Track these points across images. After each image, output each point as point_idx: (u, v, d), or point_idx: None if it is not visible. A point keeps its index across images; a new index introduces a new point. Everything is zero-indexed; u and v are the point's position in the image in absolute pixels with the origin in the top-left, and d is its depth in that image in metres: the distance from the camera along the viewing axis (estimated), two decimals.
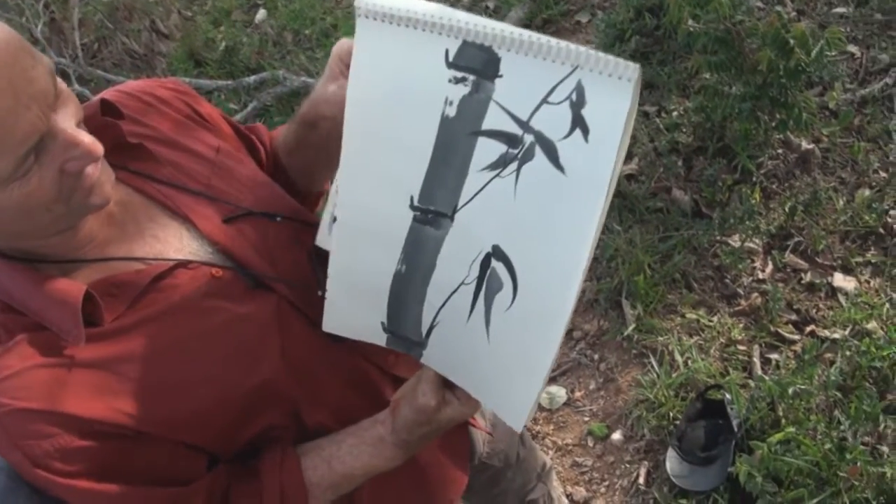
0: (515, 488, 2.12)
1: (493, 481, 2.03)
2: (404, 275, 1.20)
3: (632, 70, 0.95)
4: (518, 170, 1.05)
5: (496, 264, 1.11)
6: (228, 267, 1.28)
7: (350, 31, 3.85)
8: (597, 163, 0.99)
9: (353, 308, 1.29)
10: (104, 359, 1.15)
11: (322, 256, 1.37)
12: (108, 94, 1.33)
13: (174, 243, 1.26)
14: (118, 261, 1.20)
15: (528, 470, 2.14)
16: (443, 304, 1.19)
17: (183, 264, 1.24)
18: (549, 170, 1.03)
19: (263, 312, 1.29)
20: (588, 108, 0.99)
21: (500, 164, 1.07)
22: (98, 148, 1.09)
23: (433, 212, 1.14)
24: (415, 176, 1.14)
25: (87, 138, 1.08)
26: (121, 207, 1.24)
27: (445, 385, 1.27)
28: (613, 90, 0.96)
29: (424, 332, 1.23)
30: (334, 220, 1.24)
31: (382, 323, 1.27)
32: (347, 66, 1.18)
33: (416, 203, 1.15)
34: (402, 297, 1.22)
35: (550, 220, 1.05)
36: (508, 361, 1.16)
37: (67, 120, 1.06)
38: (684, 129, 3.56)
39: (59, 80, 1.07)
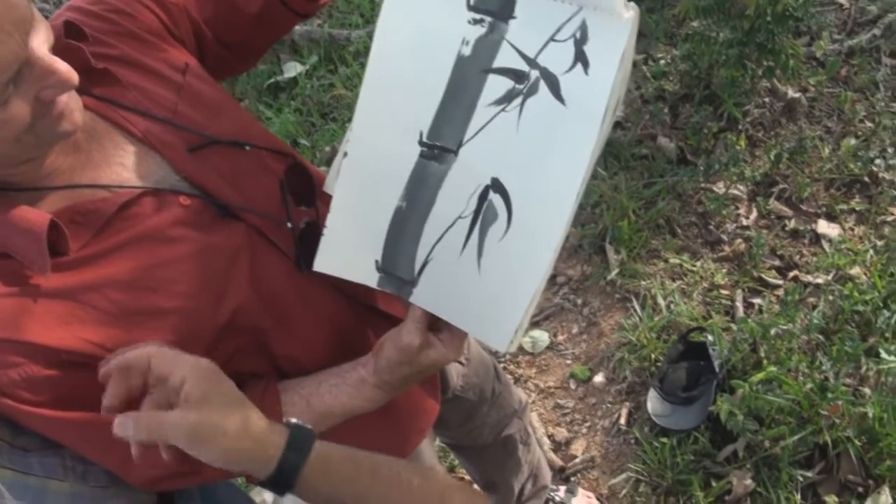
0: (491, 423, 2.11)
1: (468, 416, 2.02)
2: (405, 211, 1.22)
3: (631, 10, 1.06)
4: (522, 104, 1.13)
5: (493, 196, 1.16)
6: (196, 195, 1.24)
7: None
8: (594, 93, 1.08)
9: (350, 247, 1.28)
10: (70, 288, 1.12)
11: (295, 189, 1.37)
12: (69, 11, 1.27)
13: (140, 171, 1.22)
14: (83, 188, 1.16)
15: (504, 405, 2.14)
16: (438, 240, 1.21)
17: (150, 192, 1.20)
18: (551, 102, 1.11)
19: (232, 241, 1.26)
20: (590, 44, 1.08)
21: (506, 99, 1.14)
22: (74, 76, 1.06)
23: (439, 147, 1.19)
24: (425, 113, 1.19)
25: (63, 66, 1.04)
26: (86, 134, 1.19)
27: (430, 328, 1.26)
28: (613, 27, 1.06)
29: (417, 269, 1.24)
30: (345, 155, 1.25)
31: (377, 261, 1.26)
32: None
33: (424, 139, 1.19)
34: (400, 234, 1.23)
35: (548, 151, 1.12)
36: (497, 287, 1.18)
37: (42, 46, 1.03)
38: (671, 77, 3.54)
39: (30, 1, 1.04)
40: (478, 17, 1.14)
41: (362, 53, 4.16)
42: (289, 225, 1.32)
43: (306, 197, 1.38)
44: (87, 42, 1.20)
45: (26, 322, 1.08)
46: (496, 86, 1.14)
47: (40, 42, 1.02)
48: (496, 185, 1.16)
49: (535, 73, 1.11)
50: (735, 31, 3.08)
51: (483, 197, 1.17)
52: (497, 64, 1.14)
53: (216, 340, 1.24)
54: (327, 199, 1.34)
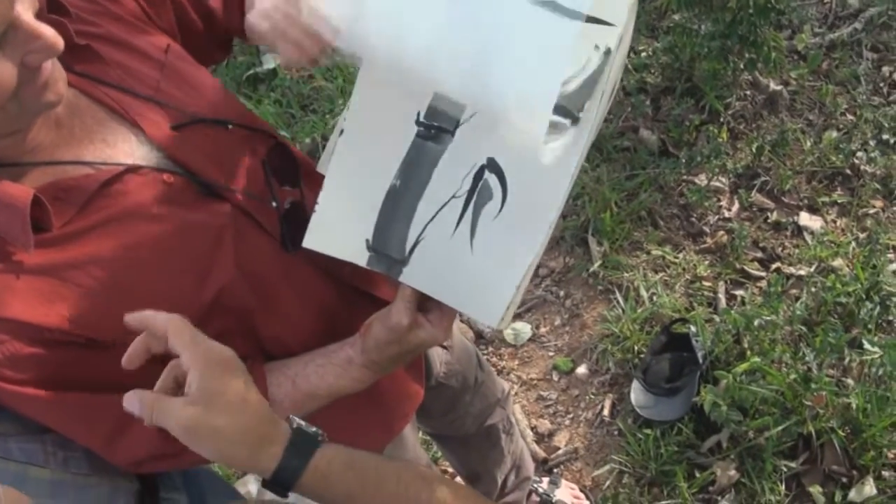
0: (474, 413, 2.10)
1: (451, 405, 2.01)
2: (398, 190, 1.20)
3: None
4: None
5: (489, 176, 1.15)
6: (179, 173, 1.23)
7: None
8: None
9: (341, 224, 1.26)
10: (54, 265, 1.10)
11: (278, 169, 1.36)
12: None
13: (123, 148, 1.20)
14: (66, 165, 1.14)
15: (487, 394, 2.12)
16: (431, 220, 1.20)
17: (133, 170, 1.18)
18: None
19: (216, 220, 1.25)
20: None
21: None
22: (59, 41, 1.03)
23: (436, 127, 1.17)
24: (423, 93, 1.16)
25: (48, 31, 1.02)
26: (68, 110, 1.17)
27: (420, 309, 1.25)
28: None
29: (408, 249, 1.22)
30: (341, 133, 1.23)
31: (367, 240, 1.24)
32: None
33: (421, 119, 1.17)
34: (393, 212, 1.22)
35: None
36: (489, 265, 1.18)
37: (27, 11, 1.00)
38: (652, 70, 3.53)
39: None
40: None
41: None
42: (273, 204, 1.31)
43: (290, 177, 1.37)
44: (69, 19, 1.18)
45: (9, 299, 1.07)
46: None
47: (26, 7, 1.00)
48: (492, 165, 1.15)
49: None
50: (717, 23, 3.08)
51: (478, 177, 1.16)
52: None
53: (201, 320, 1.21)
54: (312, 180, 1.34)
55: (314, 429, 1.09)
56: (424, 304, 1.25)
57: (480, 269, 1.19)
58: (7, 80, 0.99)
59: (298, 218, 1.32)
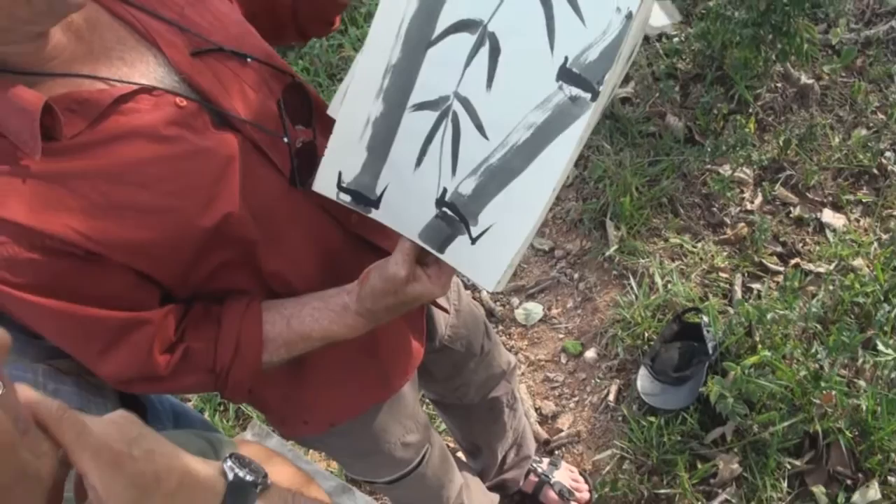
0: (478, 382, 2.10)
1: (455, 370, 2.01)
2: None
3: None
4: None
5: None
6: (193, 99, 1.24)
7: None
8: None
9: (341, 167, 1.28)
10: (60, 173, 1.12)
11: (293, 107, 1.36)
12: None
13: (140, 68, 1.21)
14: (82, 78, 1.16)
15: (493, 364, 2.12)
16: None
17: (147, 90, 1.20)
18: None
19: (225, 149, 1.25)
20: None
21: None
22: None
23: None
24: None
25: None
26: (89, 25, 1.19)
27: (419, 262, 1.26)
28: None
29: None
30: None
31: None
32: None
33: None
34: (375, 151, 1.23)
35: None
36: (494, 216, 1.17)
37: None
38: (683, 56, 3.49)
39: None
40: None
41: (373, 15, 4.11)
42: (285, 140, 1.32)
43: (304, 117, 1.38)
44: None
45: (12, 201, 1.08)
46: None
47: None
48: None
49: None
50: (751, 11, 3.02)
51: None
52: None
53: (203, 249, 1.25)
54: (325, 123, 1.34)
55: (251, 477, 0.92)
56: (424, 258, 1.26)
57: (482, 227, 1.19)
58: None
59: (309, 157, 1.34)
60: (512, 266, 1.18)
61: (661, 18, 3.60)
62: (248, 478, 0.90)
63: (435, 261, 1.25)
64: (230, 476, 0.89)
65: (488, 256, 1.18)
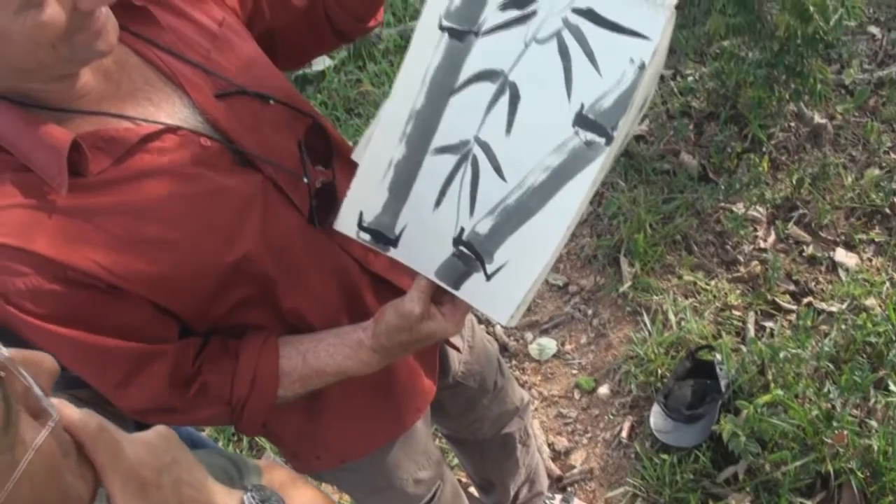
0: (492, 417, 2.11)
1: (469, 406, 2.02)
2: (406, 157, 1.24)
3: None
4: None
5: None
6: (217, 140, 1.28)
7: None
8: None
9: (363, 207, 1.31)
10: (85, 208, 1.15)
11: (314, 148, 1.40)
12: None
13: (166, 108, 1.25)
14: (110, 116, 1.20)
15: (506, 401, 2.13)
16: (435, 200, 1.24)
17: (172, 129, 1.24)
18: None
19: (247, 188, 1.29)
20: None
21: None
22: None
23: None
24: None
25: None
26: (118, 66, 1.23)
27: (434, 300, 1.28)
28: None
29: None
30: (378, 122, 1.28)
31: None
32: None
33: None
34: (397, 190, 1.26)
35: None
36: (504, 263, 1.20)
37: None
38: (698, 94, 3.52)
39: None
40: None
41: (392, 51, 4.17)
42: (305, 180, 1.35)
43: (324, 158, 1.42)
44: None
45: (38, 234, 1.12)
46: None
47: None
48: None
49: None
50: (764, 51, 3.06)
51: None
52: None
53: (222, 285, 1.28)
54: (345, 164, 1.38)
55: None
56: (439, 296, 1.28)
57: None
58: (58, 19, 1.04)
59: (328, 197, 1.38)
60: (526, 302, 1.21)
61: None
62: None
63: (450, 299, 1.28)
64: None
65: (503, 292, 1.21)
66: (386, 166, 1.25)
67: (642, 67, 1.08)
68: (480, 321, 2.85)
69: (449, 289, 1.26)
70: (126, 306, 1.20)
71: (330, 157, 1.42)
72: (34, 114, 1.14)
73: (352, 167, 1.29)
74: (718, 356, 2.68)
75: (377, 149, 1.26)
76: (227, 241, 1.26)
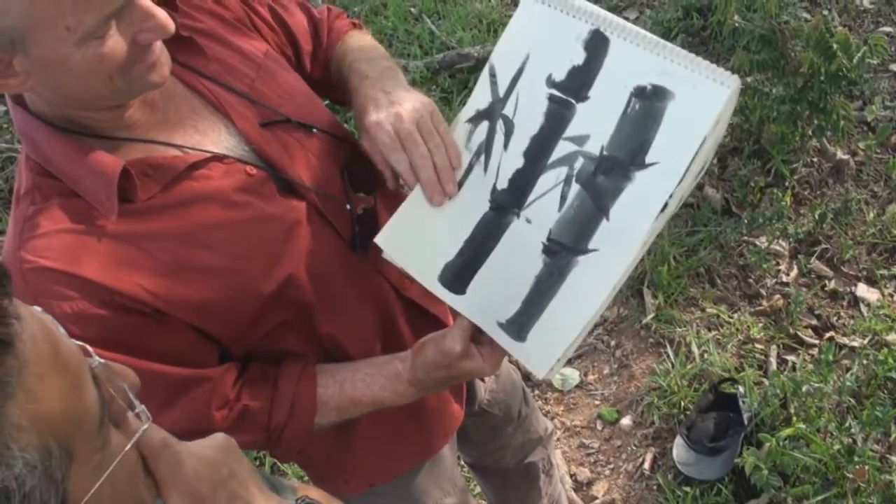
0: (515, 446, 2.12)
1: (493, 434, 2.04)
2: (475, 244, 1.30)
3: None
4: None
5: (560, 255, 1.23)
6: (262, 168, 1.31)
7: (399, 11, 3.86)
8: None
9: (417, 244, 1.35)
10: (132, 234, 1.18)
11: (355, 175, 1.43)
12: None
13: (212, 137, 1.29)
14: (157, 144, 1.24)
15: (530, 430, 2.15)
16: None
17: (219, 158, 1.27)
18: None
19: (291, 215, 1.32)
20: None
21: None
22: (170, 24, 1.13)
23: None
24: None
25: (161, 13, 1.12)
26: (165, 96, 1.27)
27: (473, 340, 1.31)
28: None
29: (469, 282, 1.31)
30: None
31: (444, 265, 1.33)
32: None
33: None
34: (471, 254, 1.31)
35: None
36: (548, 315, 1.23)
37: None
38: None
39: None
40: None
41: (418, 83, 4.22)
42: (347, 207, 1.39)
43: (365, 185, 1.44)
44: (176, 12, 1.28)
45: (86, 258, 1.15)
46: None
47: None
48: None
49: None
50: (788, 87, 3.10)
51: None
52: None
53: (262, 309, 1.30)
54: (386, 191, 1.42)
55: None
56: (479, 336, 1.30)
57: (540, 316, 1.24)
58: (117, 53, 1.09)
59: (369, 224, 1.40)
60: (566, 356, 1.23)
61: None
62: None
63: (489, 340, 1.30)
64: None
65: (543, 345, 1.24)
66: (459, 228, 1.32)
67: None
68: None
69: (489, 333, 1.29)
70: (170, 331, 1.22)
71: (371, 184, 1.46)
72: (83, 141, 1.18)
73: (392, 193, 1.34)
74: (741, 389, 2.69)
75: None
76: (271, 267, 1.29)
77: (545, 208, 1.22)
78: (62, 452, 0.62)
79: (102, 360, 0.72)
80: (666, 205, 1.12)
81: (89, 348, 0.73)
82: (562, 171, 1.21)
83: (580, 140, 1.19)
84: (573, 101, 1.20)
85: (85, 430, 0.66)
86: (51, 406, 0.61)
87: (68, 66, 1.07)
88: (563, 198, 1.20)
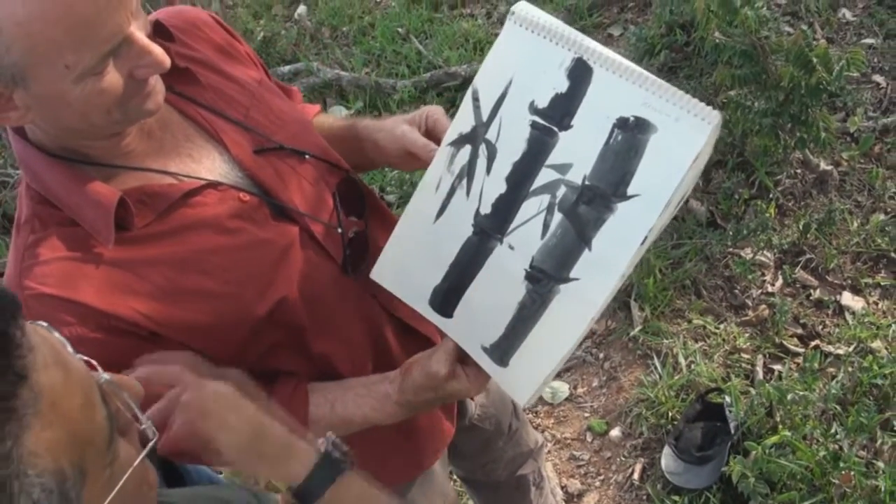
0: (506, 459, 2.15)
1: (484, 448, 2.07)
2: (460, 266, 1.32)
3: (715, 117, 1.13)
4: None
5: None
6: (255, 194, 1.35)
7: (386, 31, 3.91)
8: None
9: (408, 268, 1.37)
10: (129, 260, 1.22)
11: (346, 200, 1.47)
12: (160, 14, 1.39)
13: (207, 164, 1.33)
14: (153, 173, 1.27)
15: (521, 443, 2.17)
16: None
17: (213, 185, 1.31)
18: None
19: (284, 239, 1.36)
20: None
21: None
22: (166, 60, 1.18)
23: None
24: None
25: (158, 49, 1.16)
26: (161, 124, 1.31)
27: (459, 361, 1.34)
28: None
29: (455, 305, 1.33)
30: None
31: (432, 289, 1.35)
32: (430, 130, 1.45)
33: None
34: (456, 278, 1.32)
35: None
36: (529, 344, 1.25)
37: (140, 30, 1.14)
38: None
39: None
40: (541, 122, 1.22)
41: (406, 102, 4.27)
42: (339, 230, 1.42)
43: (357, 209, 1.49)
44: (172, 43, 1.32)
45: (83, 285, 1.18)
46: None
47: (139, 26, 1.14)
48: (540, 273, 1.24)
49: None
50: (770, 101, 3.14)
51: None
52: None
53: (255, 331, 1.33)
54: (376, 214, 1.47)
55: (338, 455, 1.15)
56: (466, 357, 1.33)
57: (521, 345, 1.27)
58: (116, 86, 1.13)
59: (361, 246, 1.45)
60: (545, 385, 1.26)
61: None
62: (339, 455, 1.13)
63: (474, 362, 1.32)
64: (323, 448, 1.13)
65: (523, 374, 1.26)
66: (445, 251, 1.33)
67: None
68: None
69: (474, 357, 1.32)
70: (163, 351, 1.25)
71: (363, 208, 1.50)
72: (81, 170, 1.22)
73: (382, 217, 1.37)
74: (728, 398, 2.73)
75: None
76: (264, 290, 1.33)
77: (528, 235, 1.23)
78: (76, 473, 0.65)
79: (108, 376, 0.76)
80: (646, 238, 1.13)
81: (95, 363, 0.77)
82: (544, 199, 1.21)
83: (563, 168, 1.20)
84: (556, 128, 1.20)
85: (96, 448, 0.69)
86: (64, 430, 0.64)
87: (67, 101, 1.11)
88: (546, 226, 1.21)
